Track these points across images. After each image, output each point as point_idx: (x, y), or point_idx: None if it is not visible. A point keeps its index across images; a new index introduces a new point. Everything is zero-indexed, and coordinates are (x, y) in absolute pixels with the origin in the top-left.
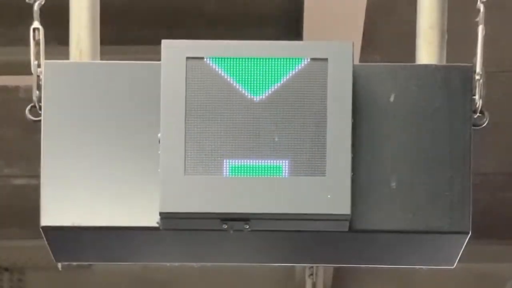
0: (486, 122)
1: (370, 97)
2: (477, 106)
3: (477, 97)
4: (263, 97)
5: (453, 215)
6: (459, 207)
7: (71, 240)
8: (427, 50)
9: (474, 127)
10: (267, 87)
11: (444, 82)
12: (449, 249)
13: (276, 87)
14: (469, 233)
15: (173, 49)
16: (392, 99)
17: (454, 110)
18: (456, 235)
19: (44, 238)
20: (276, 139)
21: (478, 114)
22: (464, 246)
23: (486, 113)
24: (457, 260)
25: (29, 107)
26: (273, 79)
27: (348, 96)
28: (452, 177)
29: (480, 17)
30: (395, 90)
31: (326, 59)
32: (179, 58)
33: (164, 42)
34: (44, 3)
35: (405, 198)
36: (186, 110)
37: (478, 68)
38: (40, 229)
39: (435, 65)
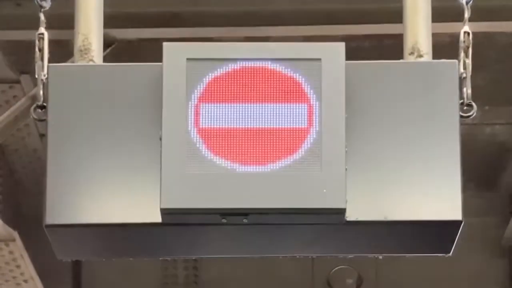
0: (474, 113)
1: (361, 93)
2: (464, 98)
3: (464, 90)
4: (262, 95)
5: (444, 205)
6: (450, 196)
7: (75, 237)
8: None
9: (462, 117)
10: (265, 86)
11: (432, 77)
12: (443, 238)
13: (274, 85)
14: (461, 221)
15: (174, 51)
16: (382, 95)
17: (443, 103)
18: (449, 223)
19: (48, 236)
20: (274, 137)
21: (465, 107)
22: (458, 234)
23: (474, 105)
24: (453, 248)
25: (33, 107)
26: (270, 78)
27: (341, 93)
28: (442, 168)
29: (465, 18)
30: (385, 86)
31: (319, 59)
32: (180, 60)
33: (166, 45)
34: (49, 7)
35: (397, 189)
36: (186, 109)
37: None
38: (44, 228)
39: (423, 61)
